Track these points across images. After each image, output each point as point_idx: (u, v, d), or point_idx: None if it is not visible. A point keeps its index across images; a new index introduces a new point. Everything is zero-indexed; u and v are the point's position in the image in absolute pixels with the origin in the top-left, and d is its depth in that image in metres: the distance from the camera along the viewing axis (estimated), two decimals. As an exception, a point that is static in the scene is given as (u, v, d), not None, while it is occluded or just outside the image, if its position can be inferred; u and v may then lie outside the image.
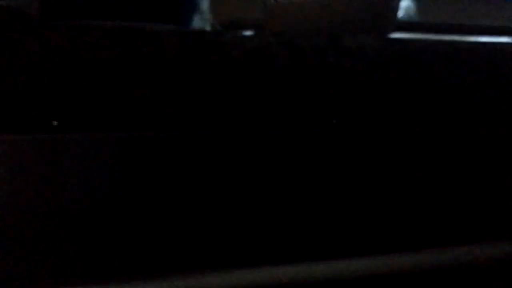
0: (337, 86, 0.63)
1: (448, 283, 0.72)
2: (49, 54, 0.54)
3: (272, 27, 0.71)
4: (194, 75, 0.57)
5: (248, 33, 0.62)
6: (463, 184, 0.72)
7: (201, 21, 1.26)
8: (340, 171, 0.64)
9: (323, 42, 0.63)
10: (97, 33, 0.56)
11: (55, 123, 0.55)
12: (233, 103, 0.59)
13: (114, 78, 0.55)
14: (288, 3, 0.71)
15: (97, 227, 0.57)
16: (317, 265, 0.66)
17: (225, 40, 0.59)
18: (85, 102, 0.55)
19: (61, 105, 0.55)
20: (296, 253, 0.65)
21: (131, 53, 0.55)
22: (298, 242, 0.65)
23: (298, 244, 0.65)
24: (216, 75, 0.58)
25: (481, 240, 0.74)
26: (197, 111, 0.58)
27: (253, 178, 0.61)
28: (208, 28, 1.22)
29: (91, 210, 0.56)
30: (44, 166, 0.55)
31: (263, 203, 0.62)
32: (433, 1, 1.80)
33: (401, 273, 0.70)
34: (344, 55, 0.63)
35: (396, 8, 0.76)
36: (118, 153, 0.57)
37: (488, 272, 0.75)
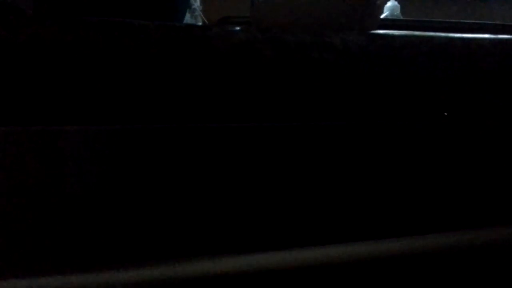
0: (320, 80, 0.65)
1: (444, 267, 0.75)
2: (40, 48, 0.56)
3: (259, 24, 0.73)
4: (180, 69, 0.59)
5: (235, 29, 0.63)
6: (445, 175, 0.74)
7: (193, 19, 1.28)
8: (323, 164, 0.67)
9: (308, 38, 0.65)
10: (86, 27, 0.57)
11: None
12: (218, 97, 0.61)
13: (104, 72, 0.56)
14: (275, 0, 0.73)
15: (81, 217, 0.58)
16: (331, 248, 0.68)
17: (211, 35, 0.60)
18: (76, 95, 0.57)
19: (52, 98, 0.56)
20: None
21: (119, 47, 0.56)
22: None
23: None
24: (202, 70, 0.60)
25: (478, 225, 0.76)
26: (183, 104, 0.60)
27: (234, 170, 0.62)
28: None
29: (73, 202, 0.57)
30: (30, 157, 0.56)
31: (249, 195, 0.64)
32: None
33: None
34: (327, 51, 0.65)
35: (380, 5, 0.78)
36: (104, 145, 0.58)
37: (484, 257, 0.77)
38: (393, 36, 0.70)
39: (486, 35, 0.78)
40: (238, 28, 0.64)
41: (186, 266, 0.61)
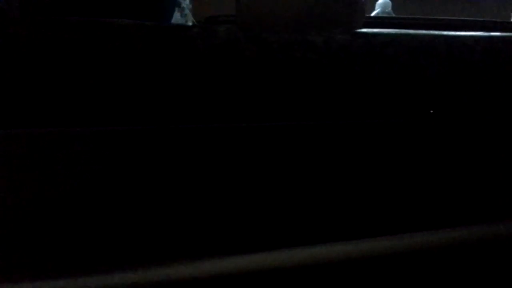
0: (303, 80, 0.66)
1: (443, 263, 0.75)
2: (19, 49, 0.56)
3: (244, 22, 0.73)
4: (160, 69, 0.59)
5: (216, 28, 0.63)
6: (420, 172, 0.74)
7: (183, 18, 1.28)
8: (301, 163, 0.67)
9: (290, 38, 0.65)
10: (65, 28, 0.57)
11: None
12: (198, 97, 0.61)
13: (83, 72, 0.56)
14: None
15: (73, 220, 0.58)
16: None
17: (192, 35, 0.61)
18: (57, 95, 0.57)
19: (32, 99, 0.56)
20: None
21: (99, 48, 0.56)
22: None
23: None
24: (183, 70, 0.60)
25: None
26: (164, 104, 0.60)
27: (216, 170, 0.62)
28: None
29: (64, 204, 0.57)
30: (22, 160, 0.56)
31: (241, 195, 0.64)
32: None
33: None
34: (310, 50, 0.66)
35: (364, 3, 0.78)
36: (85, 147, 0.58)
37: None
38: (375, 34, 0.71)
39: (471, 33, 0.78)
40: (220, 27, 0.64)
41: (185, 267, 0.62)
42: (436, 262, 0.75)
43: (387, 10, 1.73)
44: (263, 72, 0.63)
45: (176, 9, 1.22)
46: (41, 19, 0.57)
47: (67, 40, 0.56)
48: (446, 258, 0.75)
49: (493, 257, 0.77)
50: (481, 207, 0.79)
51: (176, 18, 1.23)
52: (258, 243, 0.65)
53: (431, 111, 0.77)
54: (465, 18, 1.18)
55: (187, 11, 1.26)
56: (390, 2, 1.71)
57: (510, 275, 0.79)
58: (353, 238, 0.70)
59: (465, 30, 0.79)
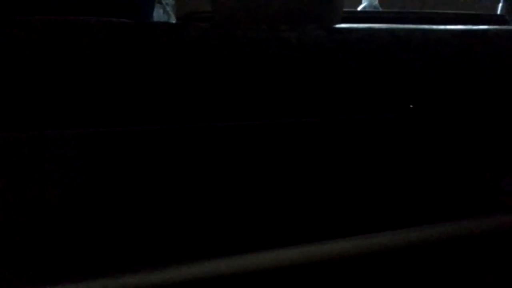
0: (276, 77, 0.65)
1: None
2: None
3: (218, 18, 0.72)
4: (127, 67, 0.58)
5: (187, 25, 0.62)
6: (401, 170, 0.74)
7: (165, 14, 1.27)
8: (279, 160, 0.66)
9: (262, 34, 0.64)
10: (25, 27, 0.56)
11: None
12: (165, 94, 0.60)
13: (46, 72, 0.55)
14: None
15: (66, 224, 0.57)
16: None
17: (160, 33, 0.60)
18: (18, 96, 0.56)
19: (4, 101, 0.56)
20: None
21: (62, 46, 0.55)
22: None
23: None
24: (150, 68, 0.59)
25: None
26: (130, 103, 0.59)
27: (181, 170, 0.61)
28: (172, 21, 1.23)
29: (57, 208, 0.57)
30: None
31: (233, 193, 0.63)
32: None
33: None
34: (282, 47, 0.65)
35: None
36: (53, 149, 0.57)
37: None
38: (350, 29, 0.70)
39: (448, 26, 0.77)
40: (191, 24, 0.63)
41: (184, 268, 0.61)
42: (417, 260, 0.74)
43: (374, 4, 1.72)
44: (235, 70, 0.62)
45: (158, 5, 1.21)
46: (3, 19, 0.56)
47: (28, 40, 0.55)
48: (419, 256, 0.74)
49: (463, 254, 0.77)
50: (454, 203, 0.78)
51: (159, 15, 1.22)
52: (245, 245, 0.65)
53: (411, 106, 0.76)
54: (451, 11, 1.18)
55: (169, 8, 1.25)
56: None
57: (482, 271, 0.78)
58: (338, 236, 0.69)
59: (450, 24, 0.79)
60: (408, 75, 0.73)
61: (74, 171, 0.57)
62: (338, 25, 0.73)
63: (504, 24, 1.21)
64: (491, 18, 1.21)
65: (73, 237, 0.58)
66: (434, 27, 0.75)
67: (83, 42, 0.56)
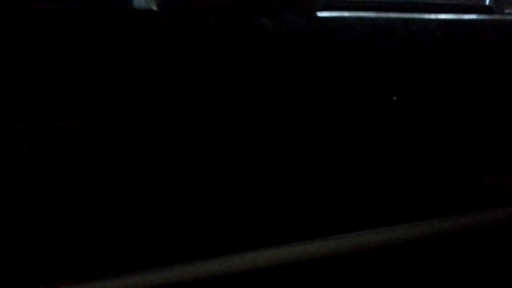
0: (251, 67, 0.63)
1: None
2: None
3: (194, 6, 0.69)
4: (90, 55, 0.56)
5: (156, 11, 0.59)
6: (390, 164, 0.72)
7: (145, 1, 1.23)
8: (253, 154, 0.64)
9: (236, 22, 0.62)
10: None
11: None
12: (135, 84, 0.58)
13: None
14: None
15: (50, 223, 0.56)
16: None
17: (128, 20, 0.57)
18: None
19: None
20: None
21: (23, 32, 0.52)
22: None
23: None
24: (115, 56, 0.56)
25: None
26: (96, 93, 0.57)
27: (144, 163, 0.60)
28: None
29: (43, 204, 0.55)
30: None
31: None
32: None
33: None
34: (257, 35, 0.62)
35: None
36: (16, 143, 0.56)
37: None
38: (330, 18, 0.68)
39: (431, 15, 0.75)
40: (164, 11, 0.60)
41: (183, 268, 0.61)
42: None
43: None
44: (205, 59, 0.60)
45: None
46: None
47: None
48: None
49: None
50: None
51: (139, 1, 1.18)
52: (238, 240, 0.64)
53: (394, 98, 0.74)
54: (438, 2, 1.16)
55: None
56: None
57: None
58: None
59: (437, 13, 0.77)
60: (391, 65, 0.71)
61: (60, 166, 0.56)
62: (319, 14, 0.70)
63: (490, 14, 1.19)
64: (478, 8, 1.19)
65: (73, 237, 0.57)
66: (417, 15, 0.73)
67: (40, 28, 0.53)
